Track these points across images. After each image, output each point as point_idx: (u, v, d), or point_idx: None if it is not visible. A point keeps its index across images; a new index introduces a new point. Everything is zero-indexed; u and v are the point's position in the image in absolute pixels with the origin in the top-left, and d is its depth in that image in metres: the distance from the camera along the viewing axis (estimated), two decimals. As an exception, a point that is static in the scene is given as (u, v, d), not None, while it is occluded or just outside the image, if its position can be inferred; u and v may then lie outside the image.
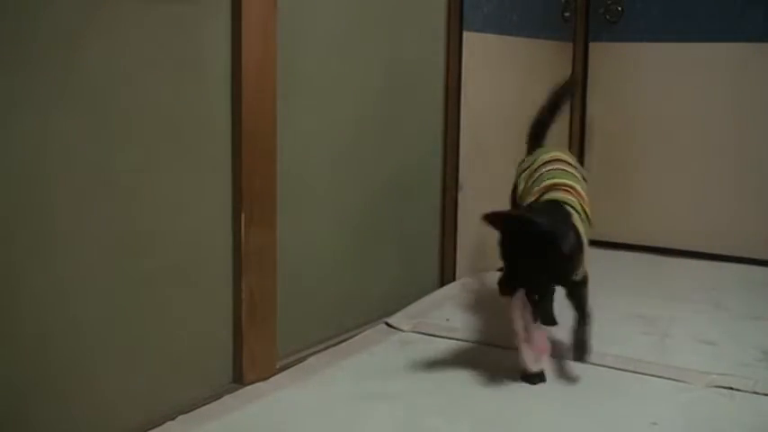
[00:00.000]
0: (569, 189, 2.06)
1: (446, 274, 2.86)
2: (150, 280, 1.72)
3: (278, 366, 2.06)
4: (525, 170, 2.29)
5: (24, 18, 1.43)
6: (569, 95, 2.60)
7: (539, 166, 2.21)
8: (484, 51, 2.91)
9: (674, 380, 2.04)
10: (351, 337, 2.31)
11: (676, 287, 2.93)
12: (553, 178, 2.11)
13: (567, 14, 3.46)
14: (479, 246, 2.91)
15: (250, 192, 1.93)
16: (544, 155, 2.27)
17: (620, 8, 3.51)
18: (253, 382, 1.96)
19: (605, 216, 3.64)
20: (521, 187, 2.26)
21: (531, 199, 2.10)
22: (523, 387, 1.99)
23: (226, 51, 1.86)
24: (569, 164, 2.23)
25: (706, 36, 3.35)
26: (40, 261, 1.50)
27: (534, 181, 2.17)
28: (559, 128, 3.57)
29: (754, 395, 1.95)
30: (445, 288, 2.79)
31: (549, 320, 2.33)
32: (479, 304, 2.66)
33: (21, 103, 1.44)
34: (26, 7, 1.43)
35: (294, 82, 2.06)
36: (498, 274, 1.88)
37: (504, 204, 2.37)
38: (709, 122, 3.41)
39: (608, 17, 3.54)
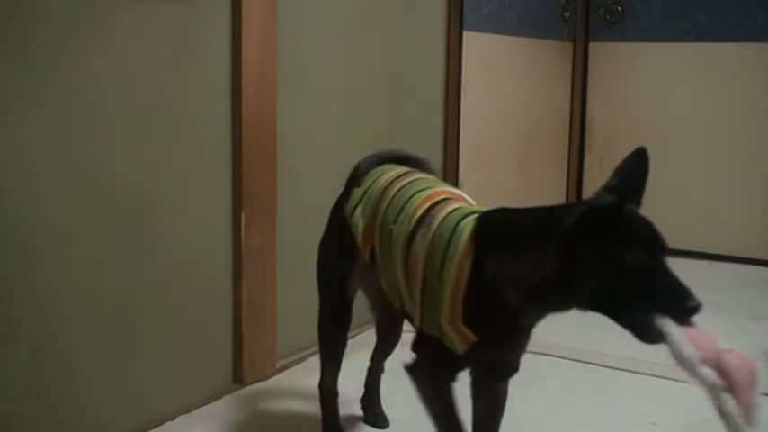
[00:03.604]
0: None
1: (446, 274, 2.86)
2: (150, 280, 1.72)
3: (278, 366, 2.06)
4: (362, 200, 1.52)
5: (24, 18, 1.43)
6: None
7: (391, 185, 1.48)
8: (484, 51, 2.91)
9: (674, 380, 2.04)
10: (351, 337, 2.30)
11: (676, 287, 2.93)
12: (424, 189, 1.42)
13: (567, 14, 3.46)
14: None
15: (250, 192, 1.92)
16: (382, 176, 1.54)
17: (620, 8, 3.51)
18: (253, 382, 1.96)
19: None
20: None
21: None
22: (523, 387, 1.99)
23: (226, 51, 1.86)
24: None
25: (706, 36, 3.35)
26: (39, 261, 1.50)
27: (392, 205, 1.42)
28: (559, 128, 3.57)
29: (754, 395, 1.95)
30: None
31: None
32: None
33: (20, 103, 1.44)
34: (26, 7, 1.43)
35: (294, 82, 2.06)
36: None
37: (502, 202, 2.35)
38: (708, 122, 3.41)
39: (608, 17, 3.55)
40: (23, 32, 1.43)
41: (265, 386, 1.95)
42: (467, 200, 1.41)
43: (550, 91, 3.47)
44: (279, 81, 1.99)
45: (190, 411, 1.79)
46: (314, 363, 2.11)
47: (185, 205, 1.80)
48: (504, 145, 3.16)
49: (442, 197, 1.37)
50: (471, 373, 1.39)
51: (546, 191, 3.49)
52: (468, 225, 1.26)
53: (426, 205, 1.35)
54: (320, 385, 1.65)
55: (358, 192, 1.53)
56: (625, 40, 3.53)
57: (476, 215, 1.28)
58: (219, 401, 1.86)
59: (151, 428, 1.71)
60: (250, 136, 1.91)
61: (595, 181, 3.72)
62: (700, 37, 3.37)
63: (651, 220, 1.17)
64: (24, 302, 1.48)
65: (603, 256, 1.11)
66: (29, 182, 1.47)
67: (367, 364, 1.81)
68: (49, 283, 1.52)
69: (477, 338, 1.22)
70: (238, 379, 1.96)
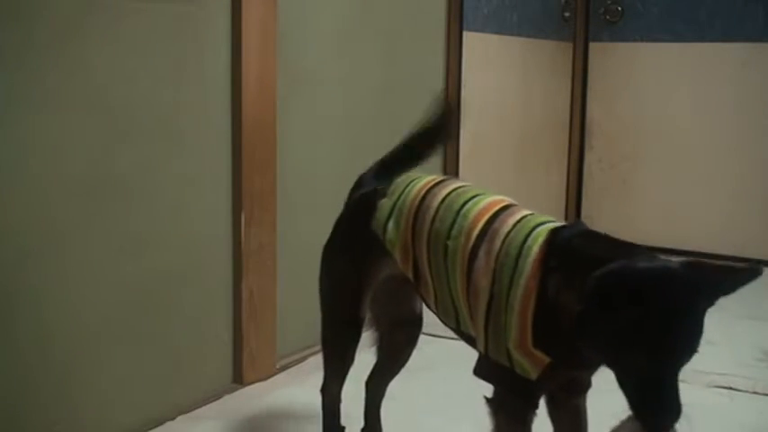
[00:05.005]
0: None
1: (446, 274, 2.86)
2: (150, 280, 1.72)
3: (278, 366, 2.06)
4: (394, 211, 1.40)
5: (24, 18, 1.43)
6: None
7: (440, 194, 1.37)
8: (484, 51, 2.91)
9: (674, 380, 2.04)
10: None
11: (676, 287, 2.93)
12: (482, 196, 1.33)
13: (567, 14, 3.46)
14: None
15: (250, 192, 1.93)
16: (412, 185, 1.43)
17: (620, 8, 3.51)
18: (253, 382, 1.96)
19: (604, 216, 3.64)
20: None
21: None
22: (523, 387, 1.99)
23: (226, 51, 1.86)
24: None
25: (706, 36, 3.35)
26: (39, 261, 1.50)
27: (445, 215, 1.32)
28: (559, 128, 3.57)
29: (754, 395, 1.95)
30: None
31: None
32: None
33: (21, 103, 1.44)
34: (26, 7, 1.43)
35: (294, 82, 2.06)
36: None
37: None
38: (708, 122, 3.41)
39: (608, 17, 3.55)
40: (23, 33, 1.43)
41: (265, 386, 1.95)
42: (517, 205, 1.32)
43: (550, 91, 3.47)
44: (278, 81, 1.99)
45: (190, 411, 1.79)
46: (314, 363, 2.11)
47: (185, 205, 1.80)
48: (504, 145, 3.16)
49: (498, 207, 1.28)
50: (546, 395, 1.30)
51: (546, 191, 3.49)
52: (536, 240, 1.18)
53: (484, 218, 1.26)
54: (323, 390, 1.59)
55: (386, 203, 1.41)
56: (625, 40, 3.53)
57: (541, 228, 1.20)
58: (219, 401, 1.86)
59: (151, 428, 1.71)
60: (250, 136, 1.91)
61: (595, 181, 3.73)
62: (700, 37, 3.37)
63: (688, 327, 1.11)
64: (24, 302, 1.48)
65: (609, 326, 1.03)
66: (29, 182, 1.47)
67: (368, 363, 1.79)
68: (48, 283, 1.52)
69: (551, 359, 1.15)
70: (238, 379, 1.96)
